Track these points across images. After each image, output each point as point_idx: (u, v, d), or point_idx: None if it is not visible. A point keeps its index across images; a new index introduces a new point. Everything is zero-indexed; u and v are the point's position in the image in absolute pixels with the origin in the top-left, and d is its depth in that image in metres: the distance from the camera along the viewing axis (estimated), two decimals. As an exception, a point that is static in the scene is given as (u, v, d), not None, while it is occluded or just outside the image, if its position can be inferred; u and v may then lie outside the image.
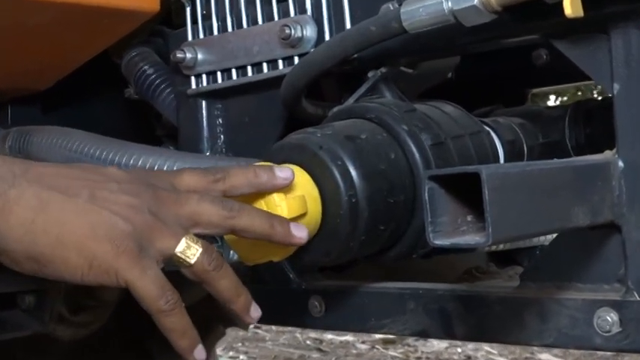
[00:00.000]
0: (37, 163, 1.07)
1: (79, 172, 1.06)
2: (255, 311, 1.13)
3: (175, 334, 1.06)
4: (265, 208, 1.11)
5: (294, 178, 1.10)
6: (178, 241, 1.04)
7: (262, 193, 1.11)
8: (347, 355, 4.91)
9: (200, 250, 1.05)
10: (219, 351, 4.47)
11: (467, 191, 0.94)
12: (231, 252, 1.16)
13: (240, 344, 5.09)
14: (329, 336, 5.19)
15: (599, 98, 1.60)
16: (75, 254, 1.00)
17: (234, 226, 1.08)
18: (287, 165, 1.14)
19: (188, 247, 1.04)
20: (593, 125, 1.48)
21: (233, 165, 1.13)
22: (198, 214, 1.06)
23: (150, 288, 1.02)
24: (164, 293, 1.03)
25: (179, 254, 1.04)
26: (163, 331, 1.06)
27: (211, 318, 3.17)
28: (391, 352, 4.88)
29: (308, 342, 5.17)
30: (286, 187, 1.11)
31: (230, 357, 4.78)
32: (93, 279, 1.01)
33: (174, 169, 1.37)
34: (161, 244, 1.04)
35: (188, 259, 1.04)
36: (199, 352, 1.09)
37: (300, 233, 1.09)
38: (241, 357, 4.82)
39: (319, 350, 5.02)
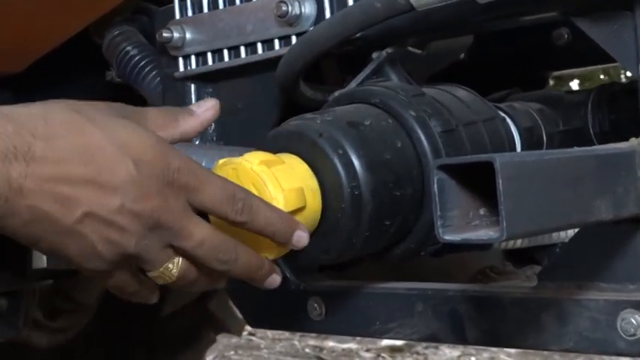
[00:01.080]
0: (44, 155, 1.05)
1: (89, 177, 1.06)
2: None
3: (136, 301, 1.20)
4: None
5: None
6: (155, 269, 1.12)
7: (258, 186, 1.12)
8: (350, 364, 4.92)
9: (174, 277, 1.13)
10: (210, 359, 4.47)
11: (480, 182, 0.94)
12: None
13: (232, 352, 5.09)
14: (330, 343, 5.19)
15: (626, 82, 1.61)
16: (47, 252, 1.15)
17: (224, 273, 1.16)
18: (284, 154, 1.15)
19: (162, 274, 1.12)
20: (619, 111, 1.48)
21: (260, 206, 1.12)
22: (192, 253, 1.11)
23: (108, 287, 1.18)
24: (119, 292, 1.18)
25: (152, 276, 1.13)
26: None
27: (200, 324, 3.19)
28: (399, 360, 4.89)
29: (307, 350, 5.17)
30: (284, 178, 1.12)
31: (222, 367, 4.79)
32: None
33: None
34: (139, 264, 1.13)
35: (161, 281, 1.14)
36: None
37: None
38: (235, 366, 4.83)
39: (319, 358, 5.03)
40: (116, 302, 3.29)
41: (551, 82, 1.88)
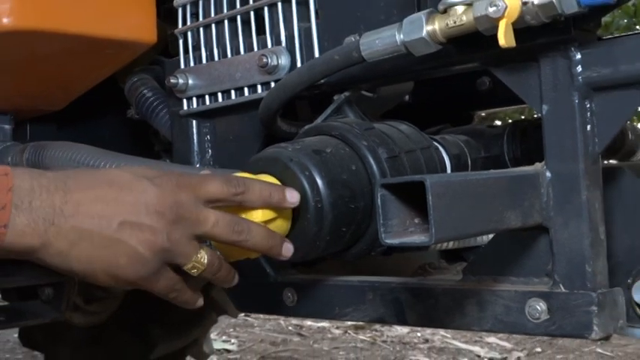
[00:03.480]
0: (76, 189, 1.06)
1: (115, 195, 1.06)
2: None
3: (186, 305, 1.16)
4: (243, 211, 1.10)
5: (299, 200, 1.11)
6: (189, 261, 1.09)
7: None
8: (323, 339, 4.89)
9: (205, 265, 1.10)
10: (213, 335, 4.45)
11: (415, 197, 0.92)
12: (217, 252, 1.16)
13: (231, 330, 5.07)
14: (308, 322, 5.17)
15: (533, 119, 1.60)
16: (102, 275, 1.06)
17: (243, 245, 1.10)
18: (263, 175, 1.13)
19: (195, 264, 1.09)
20: (528, 141, 1.48)
21: (253, 180, 1.13)
22: (212, 234, 1.09)
23: (160, 292, 1.12)
24: (170, 292, 1.12)
25: (187, 269, 1.09)
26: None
27: (205, 308, 3.17)
28: (361, 336, 4.87)
29: (290, 328, 5.16)
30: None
31: (223, 341, 4.75)
32: (120, 287, 1.12)
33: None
34: (176, 261, 1.09)
35: (195, 271, 1.10)
36: (199, 301, 1.19)
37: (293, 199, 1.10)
38: (232, 340, 4.80)
39: (299, 335, 5.01)
40: (138, 293, 3.28)
41: (476, 120, 1.87)
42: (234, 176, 1.12)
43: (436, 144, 1.33)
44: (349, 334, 4.95)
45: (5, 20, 1.42)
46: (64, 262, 1.03)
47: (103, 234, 1.04)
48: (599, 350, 4.39)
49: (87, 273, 1.06)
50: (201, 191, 1.09)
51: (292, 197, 1.10)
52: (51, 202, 1.02)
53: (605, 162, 1.35)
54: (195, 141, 1.53)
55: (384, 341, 4.77)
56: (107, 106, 1.93)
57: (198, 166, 1.52)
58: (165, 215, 1.06)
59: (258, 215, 1.09)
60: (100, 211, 1.04)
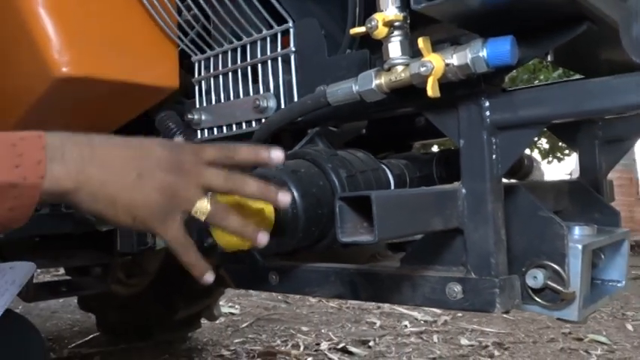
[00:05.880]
0: (100, 146, 0.97)
1: (132, 153, 0.99)
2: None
3: (190, 266, 1.04)
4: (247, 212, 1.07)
5: (284, 157, 1.05)
6: (194, 205, 1.01)
7: (242, 203, 1.07)
8: (303, 305, 4.86)
9: (209, 208, 1.01)
10: (221, 302, 4.42)
11: (365, 207, 0.91)
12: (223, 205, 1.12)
13: (235, 298, 5.03)
14: (292, 294, 5.15)
15: (455, 148, 1.59)
16: (123, 214, 0.97)
17: (236, 192, 1.04)
18: None
19: (200, 207, 1.01)
20: (451, 165, 1.47)
21: (241, 147, 1.07)
22: (211, 183, 1.02)
23: (170, 240, 1.01)
24: (180, 243, 1.01)
25: (194, 212, 1.01)
26: (184, 265, 1.04)
27: (215, 283, 3.15)
28: (330, 304, 4.84)
29: (279, 297, 5.13)
30: (254, 202, 1.06)
31: (229, 307, 4.72)
32: (137, 228, 1.00)
33: None
34: (183, 207, 1.00)
35: (201, 215, 1.01)
36: (209, 276, 1.06)
37: (284, 198, 1.03)
38: (236, 306, 4.76)
39: (286, 302, 4.98)
40: (165, 271, 3.24)
41: (416, 147, 1.86)
42: (227, 144, 1.07)
43: (383, 166, 1.31)
44: (322, 302, 4.92)
45: (65, 69, 1.40)
46: (93, 202, 0.95)
47: (125, 182, 0.96)
48: (504, 315, 4.39)
49: (110, 212, 0.97)
50: (201, 154, 1.04)
51: (274, 154, 1.05)
52: (80, 154, 0.94)
53: (507, 181, 1.34)
54: (206, 161, 1.51)
55: (348, 307, 4.76)
56: (141, 134, 1.90)
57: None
58: (173, 170, 0.99)
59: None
60: (121, 166, 0.97)
